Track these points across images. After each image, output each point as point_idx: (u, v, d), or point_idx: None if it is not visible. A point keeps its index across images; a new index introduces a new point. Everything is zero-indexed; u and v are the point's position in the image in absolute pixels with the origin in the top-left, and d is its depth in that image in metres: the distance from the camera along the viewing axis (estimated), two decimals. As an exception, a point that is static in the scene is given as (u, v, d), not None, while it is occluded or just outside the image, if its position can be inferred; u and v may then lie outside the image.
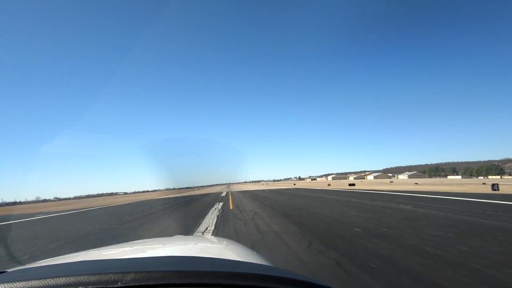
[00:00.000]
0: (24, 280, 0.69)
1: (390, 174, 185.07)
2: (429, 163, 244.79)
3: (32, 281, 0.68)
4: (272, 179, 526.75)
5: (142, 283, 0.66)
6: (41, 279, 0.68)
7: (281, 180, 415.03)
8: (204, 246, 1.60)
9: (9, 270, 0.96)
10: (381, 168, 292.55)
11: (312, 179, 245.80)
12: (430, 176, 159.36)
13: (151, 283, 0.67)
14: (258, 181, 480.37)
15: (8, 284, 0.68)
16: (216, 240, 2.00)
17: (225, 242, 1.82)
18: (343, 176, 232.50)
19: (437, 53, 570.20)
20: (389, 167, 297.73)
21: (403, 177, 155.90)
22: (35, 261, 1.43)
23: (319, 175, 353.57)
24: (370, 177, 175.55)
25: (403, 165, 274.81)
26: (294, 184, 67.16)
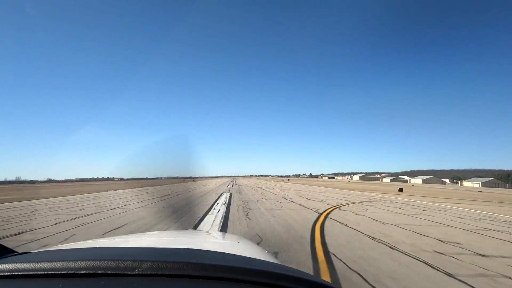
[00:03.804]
0: (48, 261, 0.71)
1: (447, 180, 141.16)
2: (488, 168, 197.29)
3: (56, 263, 0.70)
4: (280, 174, 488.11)
5: (158, 272, 0.68)
6: (63, 261, 0.70)
7: (290, 176, 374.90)
8: (216, 241, 1.68)
9: (32, 251, 0.98)
10: (398, 171, 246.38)
11: (329, 178, 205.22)
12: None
13: (167, 272, 0.68)
14: (265, 176, 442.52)
15: (34, 264, 0.71)
16: (227, 236, 2.03)
17: (236, 238, 1.85)
18: (372, 176, 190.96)
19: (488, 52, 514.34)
20: (425, 169, 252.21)
21: (470, 184, 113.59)
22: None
23: (334, 172, 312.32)
24: (417, 181, 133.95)
25: (454, 168, 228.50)
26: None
